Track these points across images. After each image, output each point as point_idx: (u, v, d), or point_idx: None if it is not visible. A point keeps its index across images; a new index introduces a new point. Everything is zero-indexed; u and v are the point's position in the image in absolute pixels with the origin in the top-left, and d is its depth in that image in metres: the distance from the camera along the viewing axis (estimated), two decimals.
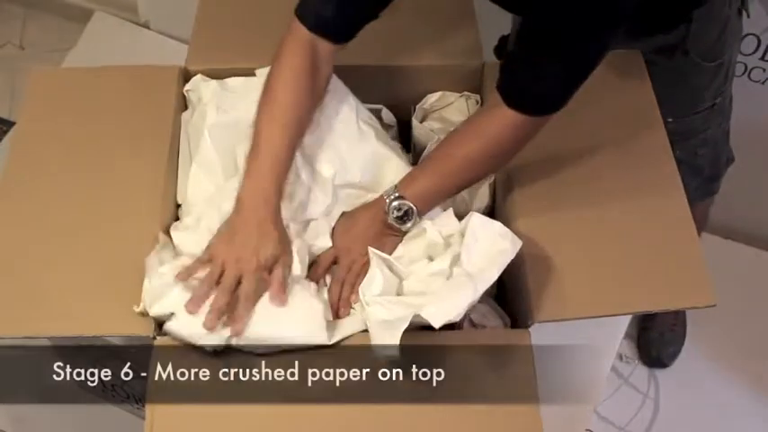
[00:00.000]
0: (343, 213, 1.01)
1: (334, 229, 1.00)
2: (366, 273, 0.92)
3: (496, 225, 0.91)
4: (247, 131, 0.97)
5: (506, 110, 0.89)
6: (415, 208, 0.94)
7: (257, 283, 0.88)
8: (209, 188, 1.02)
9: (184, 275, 0.89)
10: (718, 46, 1.15)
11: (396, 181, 0.98)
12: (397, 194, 0.95)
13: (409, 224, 0.95)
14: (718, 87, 1.21)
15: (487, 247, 0.89)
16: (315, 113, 1.01)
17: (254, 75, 1.11)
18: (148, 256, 0.92)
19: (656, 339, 1.68)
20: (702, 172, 1.31)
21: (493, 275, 0.87)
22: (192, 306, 0.86)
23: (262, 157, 0.93)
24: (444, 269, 0.91)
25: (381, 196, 0.97)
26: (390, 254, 0.96)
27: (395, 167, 1.03)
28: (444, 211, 0.97)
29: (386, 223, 0.96)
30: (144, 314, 0.89)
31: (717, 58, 1.16)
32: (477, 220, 0.91)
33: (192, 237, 0.97)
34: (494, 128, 0.91)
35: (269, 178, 0.92)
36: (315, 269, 0.97)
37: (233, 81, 1.12)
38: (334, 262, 0.98)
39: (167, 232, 0.99)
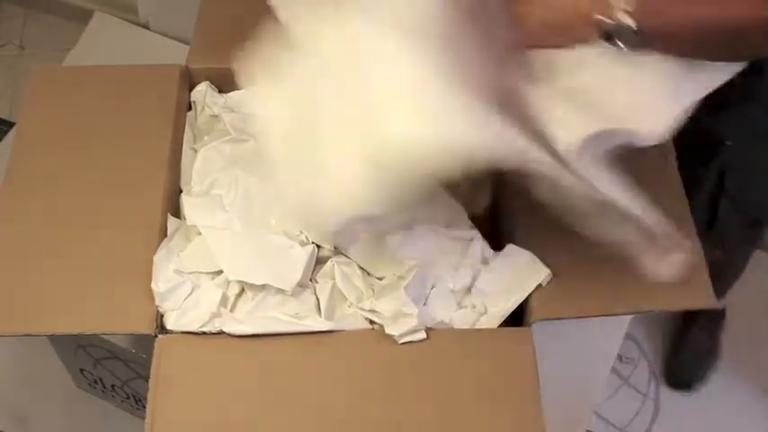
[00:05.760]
0: None
1: None
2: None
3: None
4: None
5: None
6: (635, 27, 0.69)
7: None
8: (221, 163, 1.04)
9: None
10: None
11: None
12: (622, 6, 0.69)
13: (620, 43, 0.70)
14: None
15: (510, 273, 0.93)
16: None
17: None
18: (156, 254, 0.93)
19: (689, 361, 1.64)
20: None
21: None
22: None
23: None
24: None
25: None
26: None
27: None
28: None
29: (586, 15, 0.70)
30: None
31: None
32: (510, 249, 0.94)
33: (201, 203, 0.98)
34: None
35: None
36: None
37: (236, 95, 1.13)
38: None
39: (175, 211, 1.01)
